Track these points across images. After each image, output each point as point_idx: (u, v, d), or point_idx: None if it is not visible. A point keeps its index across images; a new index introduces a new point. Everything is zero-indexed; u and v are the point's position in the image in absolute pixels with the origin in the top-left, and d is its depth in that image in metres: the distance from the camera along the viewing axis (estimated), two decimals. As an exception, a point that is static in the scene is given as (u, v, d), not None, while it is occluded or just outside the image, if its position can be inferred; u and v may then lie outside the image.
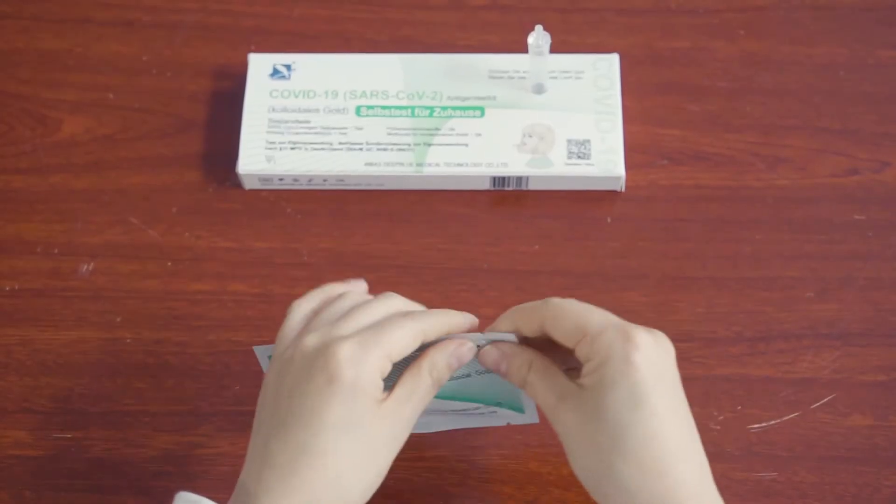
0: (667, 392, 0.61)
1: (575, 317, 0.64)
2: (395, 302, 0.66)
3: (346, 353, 0.61)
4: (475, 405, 0.70)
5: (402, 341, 0.63)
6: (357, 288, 0.69)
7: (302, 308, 0.66)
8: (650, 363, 0.61)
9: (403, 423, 0.63)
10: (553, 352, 0.65)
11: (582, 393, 0.62)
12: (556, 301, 0.65)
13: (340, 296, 0.66)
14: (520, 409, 0.70)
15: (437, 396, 0.66)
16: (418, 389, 0.64)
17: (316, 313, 0.66)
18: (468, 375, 0.67)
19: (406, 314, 0.64)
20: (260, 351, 0.68)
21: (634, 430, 0.60)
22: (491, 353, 0.66)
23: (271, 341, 0.79)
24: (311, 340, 0.63)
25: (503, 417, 0.71)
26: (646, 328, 0.62)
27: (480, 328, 0.67)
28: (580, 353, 0.63)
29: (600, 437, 0.60)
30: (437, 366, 0.65)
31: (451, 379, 0.66)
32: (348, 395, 0.61)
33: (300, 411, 0.61)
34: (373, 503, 0.72)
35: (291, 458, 0.61)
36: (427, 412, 0.66)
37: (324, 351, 0.61)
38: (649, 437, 0.60)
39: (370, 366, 0.61)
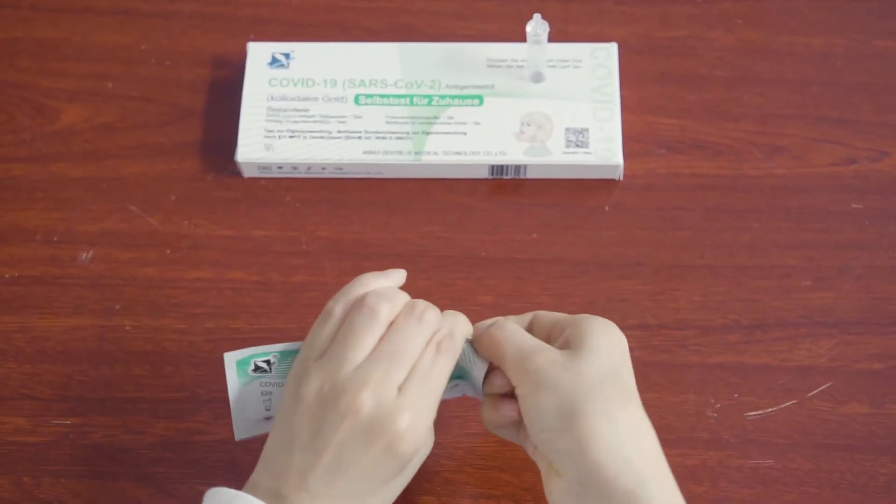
0: (630, 364, 0.66)
1: (555, 314, 0.69)
2: (430, 320, 0.65)
3: (405, 428, 0.62)
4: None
5: (444, 386, 0.65)
6: (395, 279, 0.68)
7: (336, 312, 0.65)
8: (622, 339, 0.66)
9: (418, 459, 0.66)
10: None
11: (562, 347, 0.65)
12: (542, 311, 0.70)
13: (374, 306, 0.64)
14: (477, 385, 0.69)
15: None
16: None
17: (350, 316, 0.65)
18: None
19: (440, 349, 0.64)
20: (230, 358, 0.67)
21: (622, 380, 0.64)
22: (482, 323, 0.68)
23: (270, 329, 0.80)
24: (367, 402, 0.62)
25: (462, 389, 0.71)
26: None
27: (481, 317, 0.69)
28: (561, 330, 0.66)
29: (589, 368, 0.63)
30: None
31: None
32: (404, 463, 0.63)
33: (351, 468, 0.62)
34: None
35: (335, 495, 0.62)
36: None
37: (383, 423, 0.62)
38: (631, 394, 0.64)
39: (425, 433, 0.63)
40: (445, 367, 0.64)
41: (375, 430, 0.61)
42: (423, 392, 0.63)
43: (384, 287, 0.66)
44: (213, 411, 0.75)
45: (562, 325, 0.67)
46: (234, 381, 0.67)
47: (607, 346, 0.65)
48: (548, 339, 0.67)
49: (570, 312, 0.69)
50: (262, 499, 0.62)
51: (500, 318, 0.68)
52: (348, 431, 0.62)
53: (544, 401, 0.63)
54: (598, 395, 0.62)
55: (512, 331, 0.66)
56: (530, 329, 0.68)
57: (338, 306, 0.65)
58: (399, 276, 0.68)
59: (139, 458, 0.75)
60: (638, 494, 0.60)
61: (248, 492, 0.63)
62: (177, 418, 0.76)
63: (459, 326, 0.66)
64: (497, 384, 0.67)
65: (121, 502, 0.73)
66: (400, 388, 0.62)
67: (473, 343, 0.67)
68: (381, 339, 0.64)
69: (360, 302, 0.64)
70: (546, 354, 0.64)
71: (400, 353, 0.63)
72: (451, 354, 0.65)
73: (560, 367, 0.63)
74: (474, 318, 0.68)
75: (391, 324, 0.64)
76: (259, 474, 0.64)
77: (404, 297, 0.66)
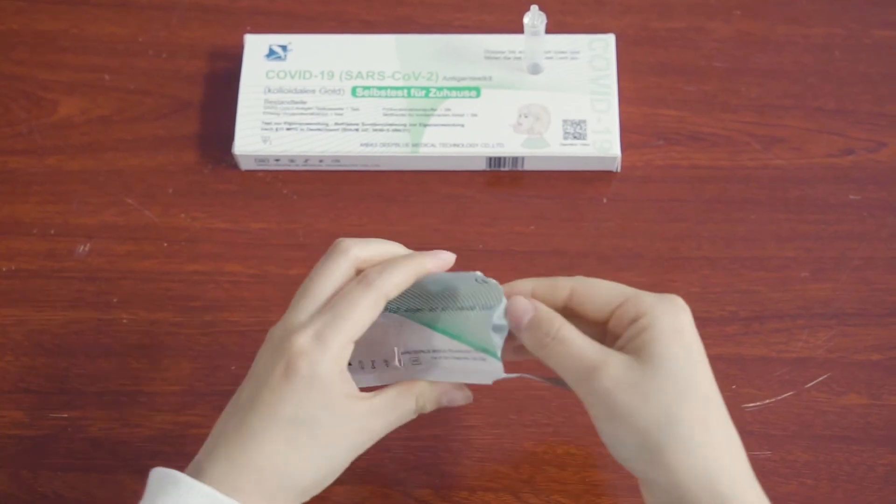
0: (706, 357, 0.61)
1: (610, 284, 0.63)
2: (341, 250, 0.63)
3: (301, 345, 0.60)
4: (448, 346, 0.66)
5: (361, 320, 0.61)
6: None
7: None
8: (694, 326, 0.61)
9: (370, 434, 0.63)
10: None
11: (628, 353, 0.60)
12: (585, 277, 0.65)
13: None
14: (494, 354, 0.64)
15: (408, 308, 0.66)
16: (398, 410, 0.64)
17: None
18: (443, 309, 0.66)
19: (361, 280, 0.62)
20: None
21: (696, 390, 0.59)
22: (521, 303, 0.63)
23: (267, 322, 0.78)
24: (278, 327, 0.62)
25: (472, 371, 0.66)
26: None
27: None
28: (620, 317, 0.62)
29: (660, 393, 0.58)
30: (427, 397, 0.65)
31: (419, 311, 0.66)
32: (304, 392, 0.60)
33: (258, 400, 0.60)
34: (369, 483, 0.73)
35: (244, 441, 0.60)
36: (415, 347, 0.66)
37: (283, 341, 0.61)
38: (709, 397, 0.60)
39: (328, 359, 0.60)
40: (364, 299, 0.61)
41: (277, 352, 0.61)
42: (331, 318, 0.61)
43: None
44: (211, 404, 0.76)
45: (629, 311, 0.61)
46: None
47: (682, 351, 0.60)
48: (607, 320, 0.63)
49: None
50: (188, 472, 0.61)
51: (551, 319, 0.62)
52: (259, 362, 0.62)
53: (621, 432, 0.59)
54: (678, 422, 0.58)
55: (569, 343, 0.61)
56: (572, 307, 0.64)
57: None
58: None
59: (137, 451, 0.75)
60: None
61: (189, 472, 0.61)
62: (174, 411, 0.76)
63: (399, 268, 0.63)
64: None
65: (118, 495, 0.73)
66: (310, 317, 0.62)
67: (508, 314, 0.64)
68: None
69: None
70: (611, 371, 0.59)
71: (309, 285, 0.63)
72: (375, 289, 0.62)
73: (631, 391, 0.59)
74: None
75: None
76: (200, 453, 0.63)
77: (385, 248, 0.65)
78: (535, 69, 0.85)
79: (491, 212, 0.82)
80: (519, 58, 0.85)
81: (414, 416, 0.65)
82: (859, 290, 0.79)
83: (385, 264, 0.63)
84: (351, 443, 0.62)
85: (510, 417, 0.75)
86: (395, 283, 0.63)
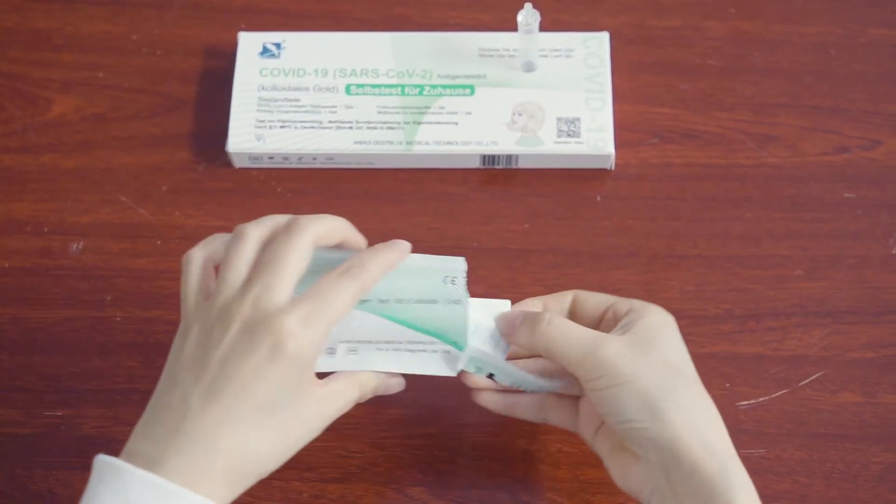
0: (688, 354, 0.68)
1: (600, 295, 0.70)
2: (302, 226, 0.63)
3: (290, 327, 0.60)
4: (406, 338, 0.68)
5: (343, 310, 0.62)
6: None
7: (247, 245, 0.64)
8: (676, 326, 0.68)
9: (324, 420, 0.64)
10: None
11: (625, 335, 0.65)
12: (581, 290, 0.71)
13: (240, 231, 0.64)
14: (458, 345, 0.67)
15: (369, 304, 0.67)
16: (346, 398, 0.65)
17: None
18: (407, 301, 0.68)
19: (344, 273, 0.63)
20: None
21: (684, 371, 0.66)
22: (509, 312, 0.69)
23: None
24: (251, 309, 0.61)
25: (430, 363, 0.68)
26: None
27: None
28: (614, 312, 0.68)
29: (658, 366, 0.64)
30: (368, 385, 0.66)
31: (367, 301, 0.67)
32: (286, 373, 0.60)
33: (234, 380, 0.60)
34: (363, 481, 0.73)
35: (214, 424, 0.60)
36: (359, 337, 0.67)
37: (269, 323, 0.60)
38: (696, 381, 0.66)
39: (315, 344, 0.61)
40: (348, 289, 0.62)
41: (260, 331, 0.60)
42: (316, 304, 0.61)
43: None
44: (205, 402, 0.75)
45: (618, 310, 0.68)
46: None
47: (673, 339, 0.67)
48: (597, 324, 0.68)
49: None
50: (138, 464, 0.59)
51: (543, 312, 0.68)
52: (232, 339, 0.60)
53: (624, 394, 0.63)
54: (675, 386, 0.64)
55: (567, 326, 0.66)
56: (572, 312, 0.70)
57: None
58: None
59: (130, 449, 0.74)
60: (720, 479, 0.62)
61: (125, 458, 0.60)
62: (168, 409, 0.75)
63: (376, 261, 0.64)
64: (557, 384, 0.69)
65: (112, 493, 0.73)
66: (292, 301, 0.61)
67: (503, 328, 0.68)
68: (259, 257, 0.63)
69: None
70: (612, 346, 0.64)
71: (273, 261, 0.62)
72: (358, 280, 0.63)
73: (633, 359, 0.64)
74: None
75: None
76: (134, 441, 0.61)
77: (282, 218, 0.65)
78: (529, 67, 0.84)
79: (485, 210, 0.82)
80: (513, 56, 0.85)
81: (354, 404, 0.66)
82: (854, 289, 0.79)
83: (364, 256, 0.64)
84: (309, 428, 0.63)
85: (504, 416, 0.75)
86: (375, 276, 0.64)
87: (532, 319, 0.67)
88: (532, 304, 0.70)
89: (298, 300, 0.61)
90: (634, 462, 0.65)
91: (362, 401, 0.66)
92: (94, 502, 0.59)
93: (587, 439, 0.69)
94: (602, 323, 0.69)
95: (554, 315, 0.67)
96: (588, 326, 0.67)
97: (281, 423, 0.61)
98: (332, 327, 0.62)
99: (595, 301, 0.70)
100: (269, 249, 0.63)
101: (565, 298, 0.70)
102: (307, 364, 0.61)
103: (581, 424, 0.69)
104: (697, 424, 0.63)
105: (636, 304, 0.68)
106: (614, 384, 0.64)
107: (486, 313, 0.69)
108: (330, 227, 0.65)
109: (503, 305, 0.70)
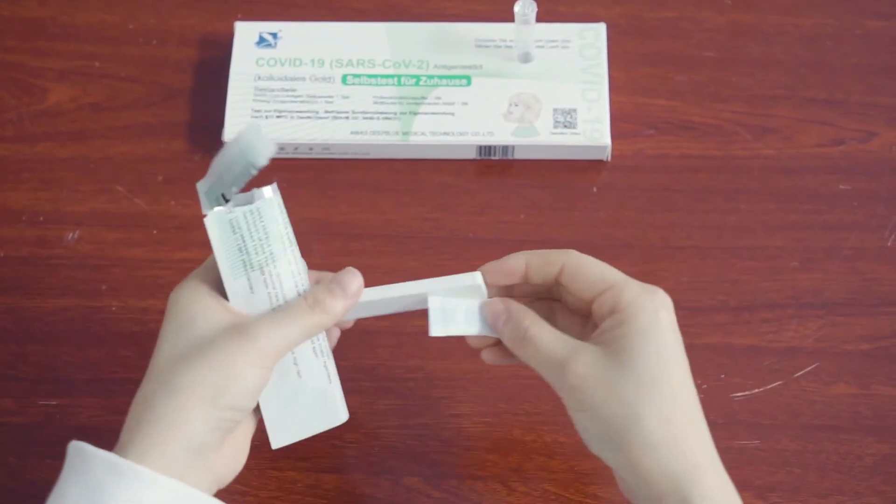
0: (684, 353, 0.63)
1: (598, 268, 0.64)
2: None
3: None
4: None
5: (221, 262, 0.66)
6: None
7: None
8: (673, 322, 0.63)
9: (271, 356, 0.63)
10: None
11: (599, 347, 0.62)
12: (577, 253, 0.65)
13: None
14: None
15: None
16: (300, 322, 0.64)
17: None
18: None
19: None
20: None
21: (662, 387, 0.61)
22: (496, 305, 0.65)
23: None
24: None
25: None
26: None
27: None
28: (601, 305, 0.63)
29: (627, 389, 0.60)
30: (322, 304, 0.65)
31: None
32: (170, 321, 0.65)
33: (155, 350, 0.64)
34: (358, 471, 0.73)
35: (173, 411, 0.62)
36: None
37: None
38: (675, 394, 0.61)
39: (188, 294, 0.65)
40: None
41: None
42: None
43: None
44: (200, 392, 0.75)
45: (617, 301, 0.62)
46: None
47: (655, 348, 0.61)
48: (590, 302, 0.64)
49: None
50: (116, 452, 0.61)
51: (523, 318, 0.64)
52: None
53: (588, 423, 0.62)
54: (640, 418, 0.60)
55: (538, 340, 0.63)
56: (563, 275, 0.64)
57: None
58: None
59: (126, 438, 0.74)
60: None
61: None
62: (163, 399, 0.75)
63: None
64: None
65: (107, 483, 0.73)
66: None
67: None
68: None
69: None
70: (579, 366, 0.61)
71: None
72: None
73: (599, 385, 0.61)
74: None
75: None
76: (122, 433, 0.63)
77: None
78: (525, 58, 0.84)
79: (481, 200, 0.82)
80: (510, 46, 0.85)
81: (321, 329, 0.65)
82: (849, 280, 0.79)
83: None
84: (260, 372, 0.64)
85: (499, 406, 0.75)
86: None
87: (512, 327, 0.64)
88: (515, 260, 0.65)
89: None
90: (619, 477, 0.64)
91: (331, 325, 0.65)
92: (61, 486, 0.60)
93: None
94: (595, 304, 0.64)
95: (532, 324, 0.64)
96: (581, 299, 0.64)
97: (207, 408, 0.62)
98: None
99: (592, 274, 0.64)
100: None
101: (552, 266, 0.65)
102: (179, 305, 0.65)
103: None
104: (666, 461, 0.60)
105: (628, 299, 0.62)
106: (580, 409, 0.62)
107: (459, 290, 0.66)
108: None
109: (474, 278, 0.66)
